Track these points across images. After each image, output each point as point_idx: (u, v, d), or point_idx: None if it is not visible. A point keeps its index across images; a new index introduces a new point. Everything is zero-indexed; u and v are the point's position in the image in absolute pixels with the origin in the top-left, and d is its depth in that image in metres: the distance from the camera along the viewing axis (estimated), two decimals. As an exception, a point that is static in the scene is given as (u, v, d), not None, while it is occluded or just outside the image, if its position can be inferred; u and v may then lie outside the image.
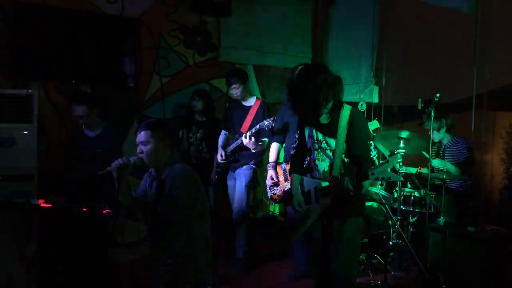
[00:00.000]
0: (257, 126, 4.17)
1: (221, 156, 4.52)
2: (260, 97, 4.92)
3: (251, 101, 4.50)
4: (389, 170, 2.54)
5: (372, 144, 2.84)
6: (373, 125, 4.59)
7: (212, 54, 6.00)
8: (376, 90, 6.19)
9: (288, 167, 3.98)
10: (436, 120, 4.58)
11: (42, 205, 3.48)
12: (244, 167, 4.47)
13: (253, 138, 4.18)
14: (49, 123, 4.90)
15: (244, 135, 4.22)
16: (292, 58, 6.45)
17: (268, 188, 4.25)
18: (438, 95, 4.06)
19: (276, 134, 4.25)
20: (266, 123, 4.09)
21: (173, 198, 2.61)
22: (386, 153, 4.76)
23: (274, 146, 4.26)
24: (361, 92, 6.18)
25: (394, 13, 6.22)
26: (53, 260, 3.22)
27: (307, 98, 2.70)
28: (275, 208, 6.46)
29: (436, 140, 4.80)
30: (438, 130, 4.72)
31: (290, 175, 3.23)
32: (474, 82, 5.25)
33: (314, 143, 2.92)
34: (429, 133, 4.28)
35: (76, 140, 4.17)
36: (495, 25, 5.25)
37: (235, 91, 4.42)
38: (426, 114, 4.20)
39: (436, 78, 5.51)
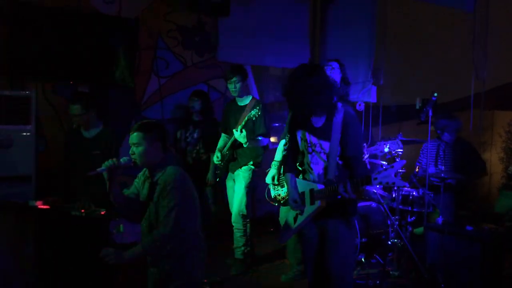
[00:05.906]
0: (246, 118, 4.18)
1: (217, 157, 4.52)
2: (257, 98, 4.92)
3: (246, 101, 4.49)
4: (393, 175, 2.53)
5: (365, 146, 2.84)
6: None
7: (211, 55, 6.01)
8: (374, 89, 6.19)
9: None
10: (456, 122, 4.62)
11: (40, 206, 3.49)
12: (243, 168, 4.45)
13: (244, 131, 4.17)
14: (47, 124, 4.90)
15: (235, 128, 4.23)
16: (290, 58, 6.46)
17: (271, 187, 4.22)
18: (435, 94, 4.06)
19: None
20: (253, 112, 4.11)
21: (164, 199, 2.61)
22: None
23: (281, 144, 4.24)
24: (359, 92, 6.17)
25: (393, 12, 6.22)
26: (50, 261, 3.22)
27: (307, 95, 2.68)
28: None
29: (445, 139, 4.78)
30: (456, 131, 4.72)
31: (283, 174, 3.22)
32: (472, 81, 5.25)
33: (308, 146, 2.92)
34: (428, 133, 4.28)
35: (73, 141, 4.17)
36: (493, 25, 5.25)
37: (231, 86, 4.41)
38: (443, 116, 4.25)
39: (434, 78, 5.51)
